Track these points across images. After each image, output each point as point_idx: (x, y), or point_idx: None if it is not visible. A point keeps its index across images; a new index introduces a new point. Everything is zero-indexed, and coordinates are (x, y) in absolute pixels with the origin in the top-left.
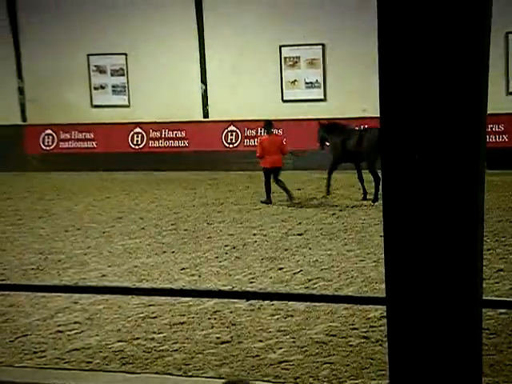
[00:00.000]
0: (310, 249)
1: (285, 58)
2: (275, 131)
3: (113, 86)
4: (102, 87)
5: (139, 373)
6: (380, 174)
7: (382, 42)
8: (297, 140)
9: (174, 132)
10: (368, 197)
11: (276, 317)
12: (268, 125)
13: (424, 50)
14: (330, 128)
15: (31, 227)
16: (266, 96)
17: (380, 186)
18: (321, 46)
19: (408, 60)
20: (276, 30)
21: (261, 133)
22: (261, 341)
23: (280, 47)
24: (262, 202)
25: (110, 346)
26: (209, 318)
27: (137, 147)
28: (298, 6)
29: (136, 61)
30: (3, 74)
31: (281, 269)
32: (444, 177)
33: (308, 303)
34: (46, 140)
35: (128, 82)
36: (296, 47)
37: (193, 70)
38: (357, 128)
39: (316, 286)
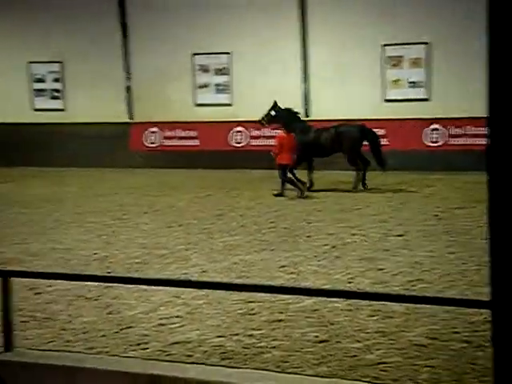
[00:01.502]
0: (410, 250)
1: (387, 57)
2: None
3: (216, 85)
4: (206, 86)
5: (239, 367)
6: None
7: (492, 38)
8: (399, 140)
9: (275, 131)
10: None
11: (375, 318)
12: None
13: None
14: (289, 120)
15: (136, 222)
16: (367, 95)
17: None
18: (424, 45)
19: None
20: (379, 28)
21: None
22: (359, 341)
23: (383, 46)
24: (275, 195)
25: (209, 341)
26: (307, 317)
27: (238, 145)
28: (402, 5)
29: (239, 60)
30: (112, 73)
31: (380, 269)
32: None
33: (408, 305)
34: (151, 138)
35: (231, 80)
36: (399, 46)
37: (295, 68)
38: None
39: (416, 287)
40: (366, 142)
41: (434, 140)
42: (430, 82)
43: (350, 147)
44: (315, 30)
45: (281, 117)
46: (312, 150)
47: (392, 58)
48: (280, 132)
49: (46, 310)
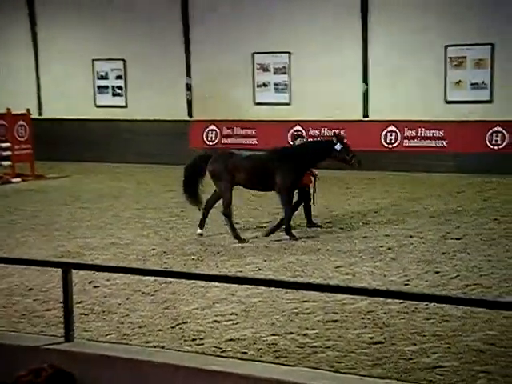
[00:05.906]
0: (468, 254)
1: (450, 57)
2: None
3: (275, 84)
4: (265, 85)
5: (293, 365)
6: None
7: None
8: (459, 142)
9: (333, 130)
10: None
11: (431, 321)
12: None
13: None
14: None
15: (192, 219)
16: (427, 96)
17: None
18: (489, 46)
19: None
20: (442, 29)
21: (421, 133)
22: (415, 344)
23: (445, 47)
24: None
25: (264, 339)
26: (362, 318)
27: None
28: (466, 5)
29: (299, 59)
30: (173, 71)
31: (437, 272)
32: None
33: (465, 309)
34: (210, 135)
35: (290, 80)
36: (463, 47)
37: (355, 69)
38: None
39: (474, 292)
40: None
41: (494, 143)
42: (492, 83)
43: None
44: (376, 30)
45: None
46: None
47: (454, 59)
48: None
49: (104, 304)
